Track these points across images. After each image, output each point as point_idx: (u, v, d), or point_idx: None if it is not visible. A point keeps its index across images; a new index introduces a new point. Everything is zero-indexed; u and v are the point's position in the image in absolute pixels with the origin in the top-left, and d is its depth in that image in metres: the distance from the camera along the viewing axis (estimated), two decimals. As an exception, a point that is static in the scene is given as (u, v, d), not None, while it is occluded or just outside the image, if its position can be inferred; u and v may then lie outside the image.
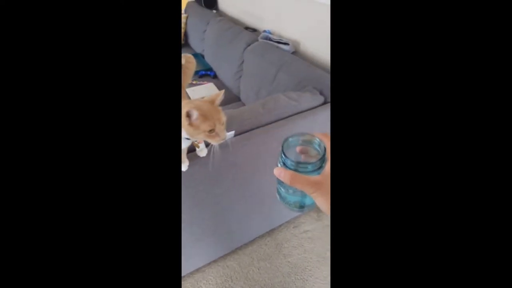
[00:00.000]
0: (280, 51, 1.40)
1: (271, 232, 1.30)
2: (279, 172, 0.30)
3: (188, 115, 0.57)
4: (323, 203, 0.28)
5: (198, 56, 2.12)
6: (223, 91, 0.66)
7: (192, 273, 1.16)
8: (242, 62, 1.56)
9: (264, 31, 1.64)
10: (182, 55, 0.98)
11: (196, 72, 1.90)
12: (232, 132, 0.90)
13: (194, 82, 1.81)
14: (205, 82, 1.82)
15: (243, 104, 1.60)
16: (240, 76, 1.59)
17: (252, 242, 1.26)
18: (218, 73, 1.87)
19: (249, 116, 0.94)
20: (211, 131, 0.59)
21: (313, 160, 0.30)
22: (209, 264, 1.19)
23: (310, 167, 0.29)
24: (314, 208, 0.32)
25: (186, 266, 1.12)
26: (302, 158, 0.33)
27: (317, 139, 0.32)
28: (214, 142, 0.63)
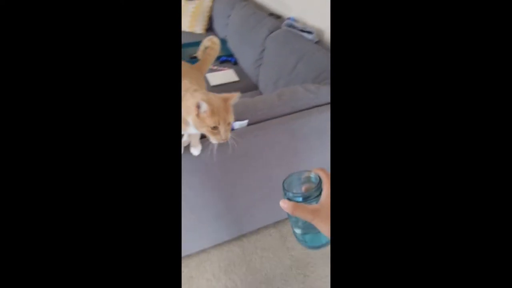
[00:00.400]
0: (303, 40, 1.35)
1: (276, 224, 1.30)
2: (283, 203, 0.34)
3: (198, 106, 0.57)
4: (323, 227, 0.32)
5: (221, 41, 2.11)
6: (238, 94, 0.63)
7: (197, 253, 1.21)
8: (263, 49, 1.53)
9: (288, 18, 1.59)
10: (208, 37, 0.98)
11: (218, 58, 1.89)
12: (245, 121, 0.89)
13: (214, 68, 1.81)
14: (226, 68, 1.81)
15: (261, 94, 1.58)
16: (260, 64, 1.56)
17: (257, 231, 1.28)
18: (239, 60, 1.85)
19: (263, 106, 0.92)
20: (214, 127, 0.59)
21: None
22: (214, 246, 1.23)
23: (307, 196, 0.34)
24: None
25: (192, 246, 1.16)
26: None
27: (313, 174, 0.36)
28: (214, 140, 0.63)
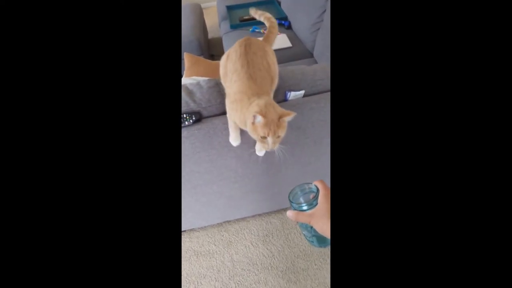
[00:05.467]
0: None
1: (320, 201, 1.26)
2: (288, 213, 0.43)
3: (254, 117, 0.63)
4: (318, 228, 0.40)
5: (274, 3, 1.95)
6: (294, 114, 0.64)
7: (237, 220, 1.24)
8: (324, 12, 1.36)
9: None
10: (264, 15, 0.93)
11: (269, 21, 1.76)
12: (302, 92, 0.81)
13: (265, 32, 1.69)
14: (278, 32, 1.68)
15: (315, 62, 1.45)
16: (318, 29, 1.41)
17: (298, 206, 1.25)
18: (292, 24, 1.69)
19: (322, 77, 0.83)
20: (263, 137, 0.66)
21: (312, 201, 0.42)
22: (254, 216, 1.24)
23: (305, 207, 0.42)
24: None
25: (233, 213, 1.19)
26: None
27: (313, 185, 0.44)
28: (263, 147, 0.70)
